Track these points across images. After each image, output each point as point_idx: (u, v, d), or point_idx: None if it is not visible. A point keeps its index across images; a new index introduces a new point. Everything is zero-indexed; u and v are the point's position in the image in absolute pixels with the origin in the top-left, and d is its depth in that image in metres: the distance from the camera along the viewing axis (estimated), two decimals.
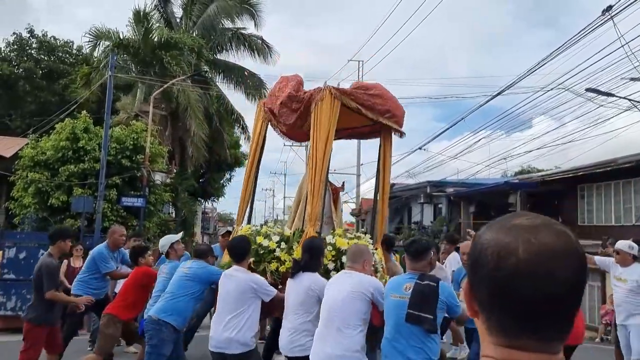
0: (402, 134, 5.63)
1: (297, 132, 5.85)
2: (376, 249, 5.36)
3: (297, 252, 4.52)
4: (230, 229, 7.77)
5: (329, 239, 4.80)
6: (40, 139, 14.13)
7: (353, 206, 29.25)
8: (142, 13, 19.41)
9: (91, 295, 5.68)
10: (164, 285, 4.88)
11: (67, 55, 26.75)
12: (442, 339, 3.74)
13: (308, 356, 3.61)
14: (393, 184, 28.60)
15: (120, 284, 6.35)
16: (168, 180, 17.12)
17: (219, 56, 23.66)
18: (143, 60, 19.27)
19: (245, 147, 24.36)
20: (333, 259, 4.67)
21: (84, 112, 14.29)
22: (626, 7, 10.33)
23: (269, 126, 5.92)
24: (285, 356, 4.09)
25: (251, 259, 4.63)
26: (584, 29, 11.19)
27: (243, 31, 23.88)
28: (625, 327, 5.59)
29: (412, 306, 3.24)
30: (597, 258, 6.18)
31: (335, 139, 6.44)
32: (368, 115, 5.32)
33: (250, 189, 5.92)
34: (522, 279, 0.78)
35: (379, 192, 5.87)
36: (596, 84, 13.50)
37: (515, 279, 0.78)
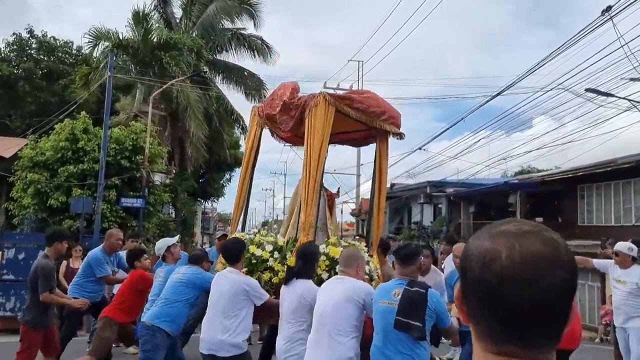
0: (401, 136, 5.56)
1: (295, 137, 5.78)
2: (371, 255, 5.30)
3: (291, 262, 4.46)
4: (226, 231, 7.72)
5: (322, 248, 4.70)
6: (39, 140, 14.11)
7: (353, 206, 29.25)
8: (141, 14, 19.41)
9: (87, 298, 5.66)
10: (160, 289, 4.85)
11: (67, 56, 26.75)
12: (437, 345, 3.69)
13: None
14: (393, 184, 28.62)
15: (118, 285, 6.34)
16: (167, 181, 17.11)
17: (218, 56, 23.65)
18: (142, 60, 19.26)
19: (244, 147, 24.33)
20: (327, 268, 4.59)
21: (83, 112, 14.28)
22: (626, 7, 10.33)
23: (268, 131, 5.88)
24: None
25: (244, 269, 4.57)
26: (584, 29, 11.19)
27: (243, 31, 23.88)
28: (624, 329, 5.54)
29: (401, 313, 3.19)
30: (595, 261, 6.12)
31: (331, 143, 6.43)
32: (363, 119, 5.24)
33: (244, 195, 5.83)
34: (506, 286, 0.78)
35: (375, 197, 5.78)
36: (596, 84, 13.50)
37: (500, 285, 0.78)
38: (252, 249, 4.79)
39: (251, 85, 23.38)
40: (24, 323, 4.91)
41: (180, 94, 18.91)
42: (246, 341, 4.18)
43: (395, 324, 3.19)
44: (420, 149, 21.49)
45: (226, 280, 4.20)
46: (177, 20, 23.55)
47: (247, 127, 24.68)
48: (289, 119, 5.30)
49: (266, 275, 4.69)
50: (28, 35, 25.96)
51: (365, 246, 5.51)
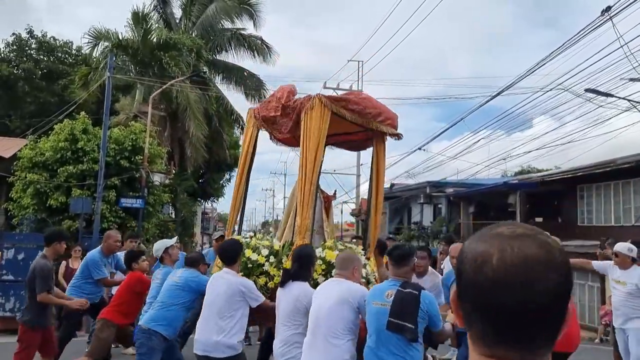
0: (399, 136, 5.52)
1: (293, 139, 5.73)
2: (368, 258, 5.28)
3: (287, 266, 4.43)
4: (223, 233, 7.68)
5: (318, 251, 4.64)
6: (39, 140, 14.11)
7: (353, 206, 29.24)
8: (140, 14, 19.41)
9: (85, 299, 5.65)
10: (157, 291, 4.82)
11: (67, 56, 26.74)
12: (435, 347, 3.66)
13: None
14: (393, 184, 28.63)
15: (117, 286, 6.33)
16: (167, 181, 17.09)
17: (218, 57, 23.65)
18: (142, 61, 19.25)
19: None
20: (323, 272, 4.54)
21: (83, 113, 14.27)
22: (625, 7, 10.33)
23: (266, 133, 5.83)
24: None
25: (240, 273, 4.54)
26: (583, 29, 11.18)
27: (242, 31, 23.87)
28: (623, 331, 5.50)
29: (393, 314, 3.17)
30: (594, 263, 6.08)
31: (329, 145, 6.38)
32: (359, 121, 5.19)
33: (240, 197, 5.77)
34: (498, 288, 0.78)
35: (373, 199, 5.73)
36: (596, 84, 13.50)
37: (492, 288, 0.78)
38: (248, 253, 4.75)
39: (251, 85, 23.38)
40: (22, 323, 4.90)
41: (180, 94, 18.91)
42: (242, 342, 4.16)
43: (387, 325, 3.17)
44: (420, 149, 21.48)
45: (222, 281, 4.18)
46: (177, 21, 23.55)
47: None
48: (285, 121, 5.26)
49: (262, 280, 4.64)
50: (28, 36, 25.96)
51: (363, 249, 5.49)
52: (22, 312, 5.03)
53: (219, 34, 23.27)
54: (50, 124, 15.18)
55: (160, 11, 23.26)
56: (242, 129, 24.28)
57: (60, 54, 26.59)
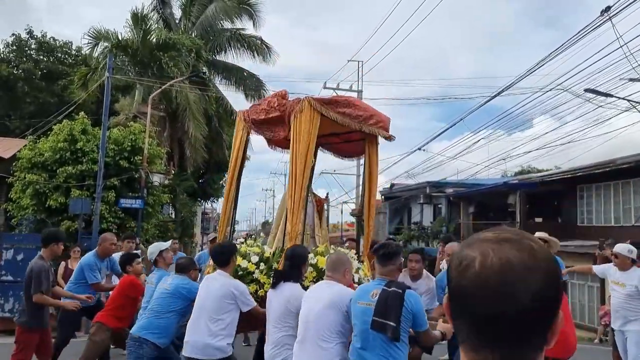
0: (390, 138, 5.40)
1: (285, 141, 5.60)
2: (362, 261, 5.24)
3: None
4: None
5: (309, 257, 4.48)
6: (38, 140, 14.10)
7: (353, 206, 29.24)
8: (139, 15, 19.41)
9: (81, 303, 5.62)
10: (152, 294, 4.77)
11: (66, 56, 26.74)
12: (429, 352, 3.61)
13: None
14: (393, 184, 28.65)
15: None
16: (166, 182, 17.07)
17: (218, 57, 23.64)
18: (141, 61, 19.24)
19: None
20: (314, 280, 4.45)
21: (82, 113, 14.26)
22: (625, 7, 10.32)
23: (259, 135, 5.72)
24: None
25: None
26: (583, 29, 11.18)
27: (242, 32, 23.87)
28: (622, 332, 5.46)
29: (377, 313, 3.13)
30: (595, 268, 6.04)
31: (322, 147, 6.31)
32: (350, 124, 5.08)
33: (231, 203, 5.67)
34: (478, 292, 0.79)
35: (365, 203, 5.65)
36: (595, 84, 13.50)
37: (474, 291, 0.79)
38: (238, 260, 4.66)
39: (251, 85, 23.37)
40: (19, 325, 4.91)
41: (180, 95, 18.89)
42: (231, 345, 4.12)
43: (372, 324, 3.13)
44: (420, 149, 21.47)
45: (215, 282, 4.15)
46: (177, 21, 23.54)
47: None
48: (276, 124, 5.19)
49: (252, 288, 4.55)
50: (27, 36, 25.96)
51: (356, 253, 5.44)
52: (19, 314, 5.03)
53: (218, 34, 23.27)
54: (50, 125, 15.17)
55: (160, 11, 23.25)
56: None
57: (60, 54, 26.59)
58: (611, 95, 13.43)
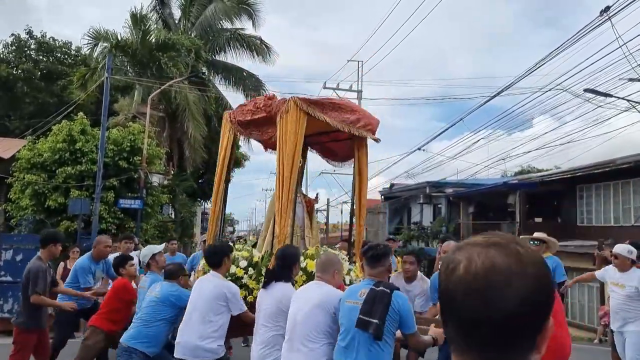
0: (376, 140, 5.37)
1: (274, 142, 5.55)
2: (354, 262, 5.22)
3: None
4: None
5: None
6: (37, 141, 14.10)
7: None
8: (138, 15, 19.40)
9: (77, 305, 5.60)
10: (144, 298, 4.71)
11: (66, 56, 26.73)
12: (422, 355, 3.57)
13: None
14: (392, 184, 28.64)
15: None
16: (166, 182, 17.06)
17: (217, 57, 23.64)
18: (140, 61, 19.24)
19: (244, 148, 24.35)
20: (304, 284, 4.35)
21: (81, 113, 14.25)
22: (624, 7, 10.32)
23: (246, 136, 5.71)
24: None
25: None
26: (582, 29, 11.18)
27: (241, 32, 23.87)
28: (621, 333, 5.41)
29: (363, 311, 3.12)
30: (597, 274, 6.00)
31: (312, 149, 6.26)
32: (338, 126, 5.03)
33: (220, 205, 5.60)
34: (463, 295, 0.79)
35: (356, 204, 5.62)
36: (595, 84, 13.49)
37: (458, 295, 0.80)
38: None
39: (250, 85, 23.37)
40: (17, 325, 4.90)
41: (179, 95, 18.89)
42: (222, 346, 4.09)
43: (357, 322, 3.12)
44: (419, 149, 21.46)
45: (208, 283, 4.13)
46: (176, 21, 23.54)
47: None
48: (262, 124, 5.13)
49: (241, 294, 4.47)
50: (27, 36, 25.95)
51: (347, 254, 5.41)
52: (17, 314, 5.03)
53: (218, 34, 23.26)
54: (49, 125, 15.17)
55: (159, 12, 23.26)
56: None
57: (59, 55, 26.58)
58: (611, 95, 13.43)
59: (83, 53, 24.23)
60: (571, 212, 17.86)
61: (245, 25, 24.03)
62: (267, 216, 5.88)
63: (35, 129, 17.32)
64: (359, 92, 21.94)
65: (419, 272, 5.61)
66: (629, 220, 15.30)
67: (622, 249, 5.48)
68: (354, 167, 5.65)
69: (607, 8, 10.48)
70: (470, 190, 22.33)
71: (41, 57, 25.96)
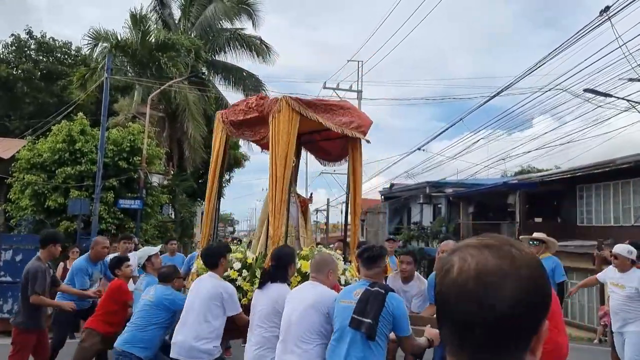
0: (367, 142, 5.33)
1: (266, 142, 5.45)
2: (350, 261, 5.20)
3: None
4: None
5: None
6: (37, 141, 14.10)
7: None
8: (138, 15, 19.40)
9: (77, 305, 5.57)
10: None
11: (66, 57, 26.73)
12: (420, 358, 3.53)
13: None
14: (392, 184, 28.65)
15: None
16: (166, 182, 17.06)
17: (217, 57, 23.63)
18: (140, 61, 19.24)
19: (244, 148, 24.35)
20: (298, 285, 4.27)
21: (80, 114, 14.26)
22: (624, 7, 10.31)
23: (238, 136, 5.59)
24: None
25: None
26: (582, 29, 11.18)
27: (241, 32, 23.87)
28: (621, 334, 5.38)
29: (356, 311, 3.11)
30: (598, 277, 5.97)
31: (306, 148, 6.18)
32: (330, 126, 4.99)
33: (213, 207, 5.57)
34: (456, 297, 0.80)
35: (350, 204, 5.59)
36: (594, 84, 13.49)
37: (451, 296, 0.80)
38: None
39: (250, 85, 23.36)
40: (15, 326, 4.89)
41: (179, 95, 18.89)
42: (218, 347, 4.07)
43: (350, 321, 3.11)
44: (419, 149, 21.46)
45: (206, 283, 4.11)
46: (176, 21, 23.54)
47: None
48: (254, 124, 5.09)
49: None
50: (27, 36, 25.95)
51: (342, 254, 5.40)
52: (15, 315, 5.02)
53: (217, 34, 23.25)
54: (49, 125, 15.17)
55: (159, 12, 23.25)
56: None
57: (59, 55, 26.59)
58: (610, 95, 13.42)
59: (83, 53, 24.23)
60: (571, 212, 17.86)
61: (245, 25, 24.06)
62: (260, 217, 5.82)
63: (35, 129, 17.32)
64: (359, 92, 21.93)
65: (416, 272, 5.57)
66: (629, 220, 15.30)
67: (622, 249, 5.45)
68: (348, 168, 5.63)
69: (607, 8, 10.48)
70: (470, 190, 22.33)
71: (41, 57, 25.96)
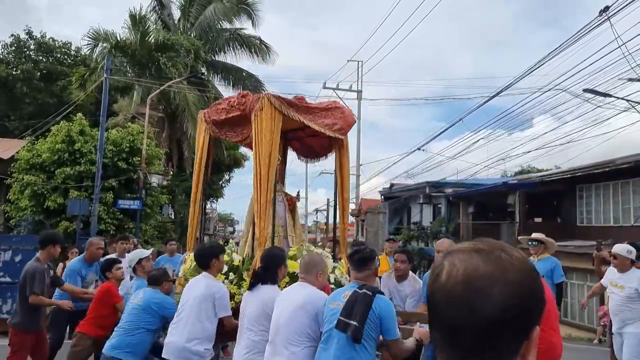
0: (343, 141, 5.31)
1: (250, 142, 5.31)
2: (340, 259, 5.17)
3: (246, 284, 4.20)
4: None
5: None
6: (36, 142, 14.10)
7: (353, 206, 29.21)
8: (137, 16, 19.41)
9: (75, 306, 5.55)
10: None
11: (66, 57, 26.73)
12: None
13: None
14: (392, 184, 28.64)
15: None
16: (165, 182, 17.05)
17: (217, 57, 23.63)
18: (140, 62, 19.24)
19: (244, 147, 24.33)
20: (287, 286, 4.18)
21: (79, 114, 14.26)
22: (623, 7, 10.30)
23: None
24: None
25: None
26: (582, 29, 11.16)
27: (241, 32, 23.87)
28: (620, 335, 5.36)
29: (343, 313, 3.07)
30: (602, 282, 5.93)
31: (293, 147, 6.10)
32: (312, 126, 4.94)
33: (198, 209, 5.49)
34: (444, 301, 0.80)
35: (339, 204, 5.55)
36: (594, 84, 13.48)
37: (441, 300, 0.81)
38: None
39: (250, 85, 23.36)
40: (12, 326, 4.87)
41: (178, 95, 18.89)
42: (210, 350, 4.02)
43: (336, 323, 3.07)
44: (419, 149, 21.45)
45: (199, 284, 4.07)
46: (176, 22, 23.54)
47: None
48: (237, 124, 5.03)
49: None
50: (26, 37, 25.95)
51: (332, 252, 5.36)
52: (13, 315, 5.00)
53: (217, 34, 23.25)
54: (47, 126, 15.17)
55: (159, 12, 23.26)
56: None
57: (59, 55, 26.59)
58: (610, 95, 13.41)
59: (83, 53, 24.24)
60: (571, 212, 17.85)
61: (244, 25, 24.06)
62: (247, 218, 5.70)
63: (35, 129, 17.32)
64: (359, 92, 21.92)
65: (410, 271, 5.49)
66: (628, 221, 15.29)
67: (621, 248, 5.42)
68: (334, 167, 5.57)
69: (607, 8, 10.47)
70: (470, 190, 22.32)
71: (41, 58, 25.96)
